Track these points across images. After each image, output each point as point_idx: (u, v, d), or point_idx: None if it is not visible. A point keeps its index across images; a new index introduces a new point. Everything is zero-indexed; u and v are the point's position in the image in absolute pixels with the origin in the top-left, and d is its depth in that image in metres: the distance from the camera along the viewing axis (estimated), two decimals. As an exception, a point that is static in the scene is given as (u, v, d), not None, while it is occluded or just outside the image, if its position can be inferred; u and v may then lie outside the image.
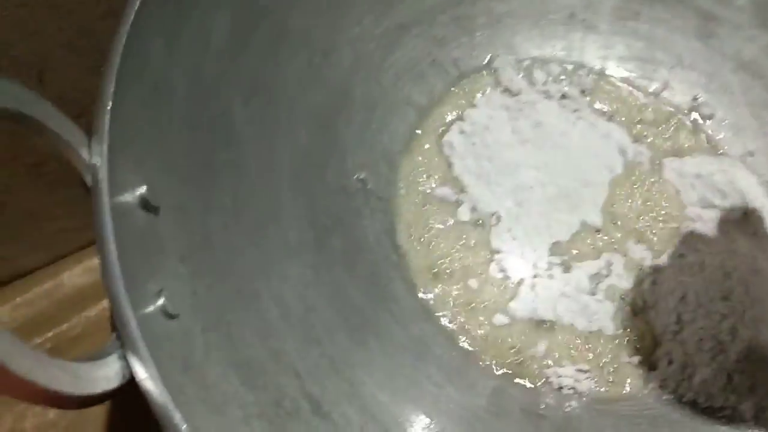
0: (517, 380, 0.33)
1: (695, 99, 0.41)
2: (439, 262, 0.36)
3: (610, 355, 0.34)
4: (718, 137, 0.41)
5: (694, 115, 0.41)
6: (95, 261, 0.37)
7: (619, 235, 0.37)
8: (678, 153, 0.40)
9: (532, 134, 0.39)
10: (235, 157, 0.29)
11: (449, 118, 0.40)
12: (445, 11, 0.40)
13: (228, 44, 0.29)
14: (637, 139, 0.40)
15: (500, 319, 0.34)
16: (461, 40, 0.41)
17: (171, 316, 0.21)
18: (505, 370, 0.33)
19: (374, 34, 0.38)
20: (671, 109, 0.41)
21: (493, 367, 0.33)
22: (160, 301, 0.21)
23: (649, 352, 0.34)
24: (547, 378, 0.33)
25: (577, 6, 0.42)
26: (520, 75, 0.41)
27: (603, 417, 0.32)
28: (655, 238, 0.37)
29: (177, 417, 0.18)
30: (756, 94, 0.40)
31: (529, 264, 0.36)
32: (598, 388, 0.33)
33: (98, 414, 0.33)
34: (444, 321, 0.34)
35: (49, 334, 0.35)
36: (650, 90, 0.42)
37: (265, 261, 0.29)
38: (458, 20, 0.41)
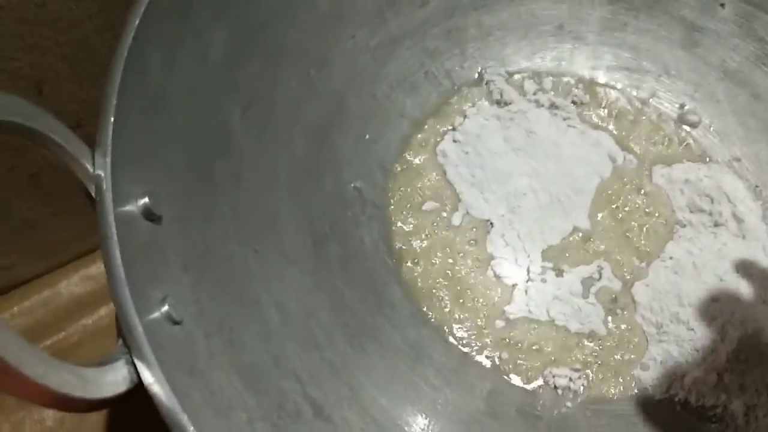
0: (513, 382, 0.34)
1: (682, 107, 0.42)
2: (434, 268, 0.36)
3: (603, 356, 0.35)
4: (705, 144, 0.41)
5: (682, 122, 0.42)
6: (93, 270, 0.38)
7: (609, 240, 0.38)
8: (666, 160, 0.41)
9: (523, 143, 0.40)
10: (234, 167, 0.30)
11: (442, 128, 0.41)
12: (437, 24, 0.41)
13: (226, 58, 0.29)
14: (626, 146, 0.41)
15: (496, 322, 0.35)
16: (453, 52, 0.42)
17: (175, 322, 0.22)
18: (501, 372, 0.34)
19: (368, 47, 0.38)
20: (659, 117, 0.42)
21: (489, 369, 0.34)
22: (165, 308, 0.21)
23: (640, 352, 0.35)
24: (543, 379, 0.34)
25: (565, 18, 0.43)
26: (511, 85, 0.42)
27: (598, 417, 0.33)
28: (644, 242, 0.38)
29: (184, 420, 0.18)
30: (741, 101, 0.41)
31: (523, 269, 0.37)
32: (592, 389, 0.34)
33: (96, 421, 0.33)
34: (440, 325, 0.35)
35: (48, 342, 0.35)
36: (638, 98, 0.43)
37: (264, 268, 0.29)
38: (450, 33, 0.41)
